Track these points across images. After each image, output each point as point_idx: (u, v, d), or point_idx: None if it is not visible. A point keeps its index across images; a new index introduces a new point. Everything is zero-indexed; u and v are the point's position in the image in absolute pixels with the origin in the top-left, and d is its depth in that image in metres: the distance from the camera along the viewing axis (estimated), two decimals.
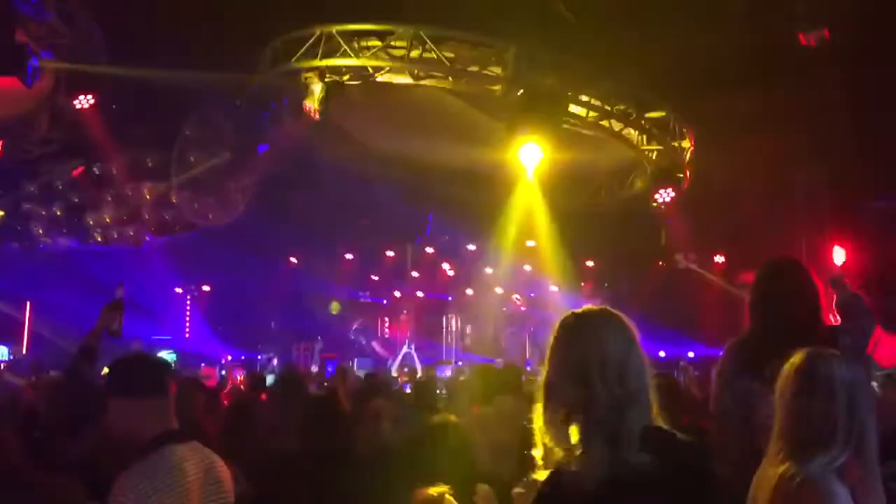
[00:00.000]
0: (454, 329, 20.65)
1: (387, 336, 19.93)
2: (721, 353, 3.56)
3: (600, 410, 1.96)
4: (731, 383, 3.39)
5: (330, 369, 13.72)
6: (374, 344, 18.25)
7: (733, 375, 3.41)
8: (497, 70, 8.65)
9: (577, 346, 2.06)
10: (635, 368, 2.04)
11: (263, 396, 6.50)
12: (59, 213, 11.80)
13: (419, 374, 13.54)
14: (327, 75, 8.91)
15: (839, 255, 11.13)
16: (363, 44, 8.75)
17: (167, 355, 15.72)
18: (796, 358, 2.39)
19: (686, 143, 10.35)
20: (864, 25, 7.83)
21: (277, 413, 4.17)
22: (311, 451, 3.72)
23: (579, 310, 2.23)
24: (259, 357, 16.73)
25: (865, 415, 2.26)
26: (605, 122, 9.51)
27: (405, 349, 17.59)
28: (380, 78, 9.09)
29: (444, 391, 5.96)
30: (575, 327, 2.12)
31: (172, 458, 2.54)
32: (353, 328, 17.75)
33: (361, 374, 14.91)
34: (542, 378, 2.15)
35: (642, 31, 8.11)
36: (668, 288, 15.83)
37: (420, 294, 20.46)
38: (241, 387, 9.46)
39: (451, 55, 8.59)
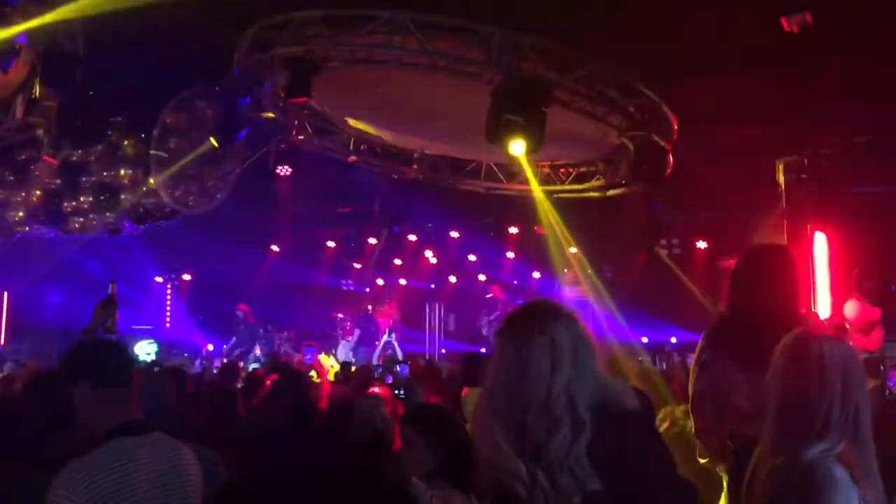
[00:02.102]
0: (437, 317, 20.62)
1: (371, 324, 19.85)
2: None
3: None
4: (706, 367, 3.40)
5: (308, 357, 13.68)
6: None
7: (709, 359, 3.42)
8: (480, 55, 8.57)
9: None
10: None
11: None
12: (35, 201, 11.62)
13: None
14: (308, 61, 8.81)
15: (821, 241, 11.20)
16: (345, 29, 8.65)
17: (148, 345, 15.63)
18: (786, 339, 2.34)
19: (670, 129, 10.34)
20: (847, 10, 7.82)
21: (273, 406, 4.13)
22: (296, 436, 3.68)
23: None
24: (228, 345, 16.55)
25: (859, 395, 2.22)
26: (588, 108, 9.47)
27: (385, 338, 17.53)
28: (361, 63, 9.00)
29: (401, 392, 5.85)
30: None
31: (119, 451, 2.45)
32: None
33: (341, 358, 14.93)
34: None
35: (626, 15, 8.07)
36: (651, 274, 15.87)
37: (403, 282, 20.40)
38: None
39: (434, 40, 8.51)
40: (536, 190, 12.14)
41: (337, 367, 12.23)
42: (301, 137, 11.87)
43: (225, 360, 14.26)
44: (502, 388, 2.00)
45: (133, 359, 2.81)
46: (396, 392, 5.87)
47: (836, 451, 2.18)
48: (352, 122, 12.08)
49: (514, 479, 1.89)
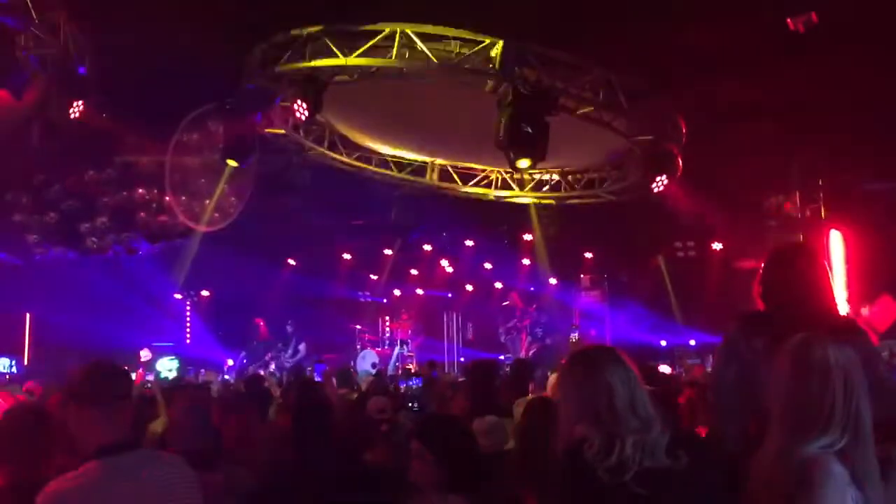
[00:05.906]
0: (455, 326, 20.65)
1: (387, 336, 19.92)
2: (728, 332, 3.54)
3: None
4: (735, 356, 3.39)
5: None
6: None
7: (743, 351, 3.41)
8: (486, 65, 8.61)
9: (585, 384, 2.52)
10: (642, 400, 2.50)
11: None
12: (52, 223, 11.78)
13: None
14: (316, 76, 8.89)
15: (836, 240, 11.14)
16: (350, 44, 8.71)
17: (169, 361, 15.73)
18: (791, 341, 2.42)
19: (678, 132, 10.32)
20: (853, 8, 7.79)
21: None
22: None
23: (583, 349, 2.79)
24: (239, 360, 16.60)
25: (860, 398, 2.29)
26: (594, 114, 9.47)
27: (398, 349, 17.56)
28: (369, 77, 9.07)
29: (415, 404, 5.83)
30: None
31: (95, 473, 2.47)
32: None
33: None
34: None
35: (630, 20, 8.09)
36: (668, 277, 15.84)
37: (420, 292, 20.45)
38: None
39: (440, 52, 8.55)
40: (528, 200, 12.30)
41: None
42: (312, 151, 11.96)
43: (241, 373, 14.36)
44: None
45: (121, 377, 2.75)
46: (409, 405, 5.88)
47: (836, 447, 2.24)
48: (363, 133, 12.17)
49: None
